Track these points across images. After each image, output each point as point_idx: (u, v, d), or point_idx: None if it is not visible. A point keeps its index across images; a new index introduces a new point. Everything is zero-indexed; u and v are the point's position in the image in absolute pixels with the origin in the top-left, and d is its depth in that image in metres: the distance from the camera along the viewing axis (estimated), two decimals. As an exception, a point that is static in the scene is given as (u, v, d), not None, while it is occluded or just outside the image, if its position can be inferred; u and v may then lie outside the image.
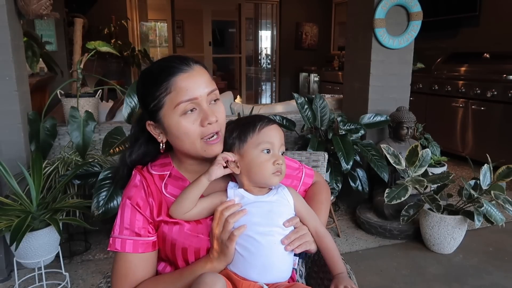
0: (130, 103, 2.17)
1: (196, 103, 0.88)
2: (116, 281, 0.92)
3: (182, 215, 0.90)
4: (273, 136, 0.93)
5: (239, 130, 0.94)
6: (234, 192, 0.93)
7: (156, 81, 0.88)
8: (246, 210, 0.89)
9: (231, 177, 0.97)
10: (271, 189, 0.95)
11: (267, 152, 0.92)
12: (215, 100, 0.92)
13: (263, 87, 8.74)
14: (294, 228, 0.92)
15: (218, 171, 0.89)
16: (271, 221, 0.90)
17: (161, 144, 0.95)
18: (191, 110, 0.88)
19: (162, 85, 0.87)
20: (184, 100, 0.86)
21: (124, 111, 2.17)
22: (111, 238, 0.93)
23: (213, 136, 0.90)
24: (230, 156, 0.90)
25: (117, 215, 0.94)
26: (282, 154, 0.94)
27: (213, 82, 0.93)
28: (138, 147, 0.98)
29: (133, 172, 0.97)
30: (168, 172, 0.96)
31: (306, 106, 2.70)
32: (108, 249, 0.93)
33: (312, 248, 0.93)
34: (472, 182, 2.34)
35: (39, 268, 1.92)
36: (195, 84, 0.88)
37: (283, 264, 0.91)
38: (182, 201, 0.89)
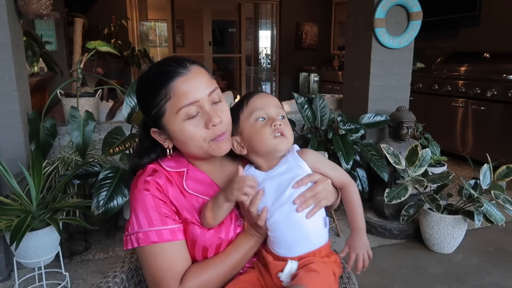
0: (130, 103, 2.17)
1: (198, 105, 0.85)
2: (162, 278, 0.85)
3: (212, 226, 0.90)
4: (262, 102, 0.92)
5: (231, 113, 0.94)
6: (245, 173, 0.92)
7: (155, 88, 0.85)
8: (262, 191, 0.87)
9: (242, 162, 0.98)
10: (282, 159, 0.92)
11: (262, 119, 0.90)
12: (218, 100, 0.89)
13: (263, 86, 8.74)
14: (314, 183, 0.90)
15: (237, 195, 0.85)
16: (282, 193, 0.88)
17: (168, 150, 0.93)
18: (195, 114, 0.85)
19: (160, 91, 0.84)
20: (186, 105, 0.84)
21: (124, 111, 2.17)
22: (140, 233, 0.86)
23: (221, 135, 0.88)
24: (251, 181, 0.86)
25: (133, 210, 0.88)
26: (282, 118, 0.92)
27: (214, 81, 0.90)
28: (149, 153, 0.95)
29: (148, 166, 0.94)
30: (185, 169, 0.94)
31: (306, 106, 2.70)
32: (141, 244, 0.85)
33: (331, 202, 0.92)
34: (472, 181, 2.34)
35: (39, 268, 1.92)
36: (194, 86, 0.85)
37: (309, 233, 0.89)
38: (206, 219, 0.88)
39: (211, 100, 0.87)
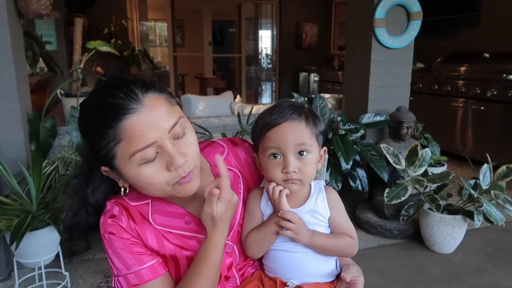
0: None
1: (157, 146, 0.71)
2: None
3: (258, 256, 0.90)
4: (280, 139, 0.82)
5: (253, 128, 0.88)
6: (267, 203, 0.88)
7: (100, 127, 0.70)
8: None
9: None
10: (310, 197, 0.88)
11: (274, 157, 0.83)
12: (182, 134, 0.75)
13: (263, 86, 8.74)
14: None
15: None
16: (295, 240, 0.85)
17: (122, 190, 0.80)
18: (153, 157, 0.72)
19: (107, 132, 0.69)
20: (140, 149, 0.70)
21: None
22: (120, 278, 0.80)
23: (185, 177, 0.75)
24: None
25: (107, 255, 0.81)
26: (301, 154, 0.83)
27: (176, 110, 0.75)
28: (99, 185, 0.81)
29: (108, 204, 0.83)
30: (149, 200, 0.83)
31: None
32: None
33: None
34: (472, 181, 2.34)
35: (39, 268, 1.92)
36: (150, 124, 0.70)
37: (309, 272, 0.87)
38: (251, 252, 0.87)
39: (172, 135, 0.73)
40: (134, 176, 0.73)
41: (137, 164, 0.71)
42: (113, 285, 0.84)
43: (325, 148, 0.92)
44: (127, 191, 0.82)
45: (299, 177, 0.83)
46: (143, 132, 0.69)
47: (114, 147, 0.70)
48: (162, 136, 0.71)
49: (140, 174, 0.72)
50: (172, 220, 0.84)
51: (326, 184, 0.96)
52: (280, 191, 0.83)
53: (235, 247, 0.88)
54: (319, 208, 0.87)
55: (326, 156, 1.27)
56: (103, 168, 0.77)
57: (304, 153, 0.83)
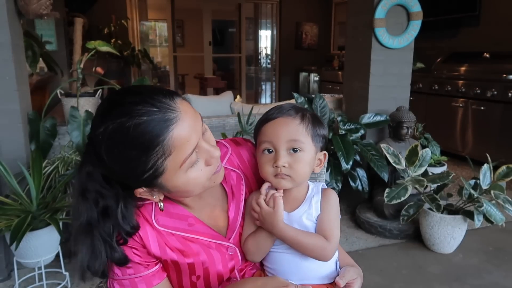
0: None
1: (197, 146, 0.74)
2: None
3: (258, 260, 0.90)
4: (272, 133, 0.84)
5: (255, 128, 0.90)
6: None
7: (145, 147, 0.68)
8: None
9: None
10: (306, 199, 0.88)
11: (268, 152, 0.84)
12: (205, 129, 0.78)
13: (263, 86, 8.74)
14: None
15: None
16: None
17: (160, 204, 0.80)
18: (196, 158, 0.74)
19: (155, 150, 0.68)
20: (189, 154, 0.71)
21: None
22: (114, 281, 0.82)
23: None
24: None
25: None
26: (295, 151, 0.83)
27: (196, 111, 0.76)
28: (126, 207, 0.77)
29: None
30: (153, 201, 0.82)
31: (306, 106, 2.70)
32: None
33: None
34: (472, 181, 2.34)
35: (39, 268, 1.92)
36: (191, 129, 0.71)
37: (311, 274, 0.87)
38: (251, 256, 0.87)
39: (202, 133, 0.76)
40: (183, 183, 0.74)
41: (185, 170, 0.73)
42: (107, 285, 0.86)
43: (325, 152, 0.91)
44: (162, 206, 0.81)
45: (289, 173, 0.83)
46: (189, 137, 0.71)
47: (163, 162, 0.70)
48: (199, 136, 0.74)
49: (189, 179, 0.74)
50: (175, 222, 0.83)
51: (326, 184, 0.95)
52: (272, 194, 0.84)
53: (237, 249, 0.88)
54: (313, 209, 0.87)
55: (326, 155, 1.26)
56: (140, 190, 0.75)
57: (297, 150, 0.84)
